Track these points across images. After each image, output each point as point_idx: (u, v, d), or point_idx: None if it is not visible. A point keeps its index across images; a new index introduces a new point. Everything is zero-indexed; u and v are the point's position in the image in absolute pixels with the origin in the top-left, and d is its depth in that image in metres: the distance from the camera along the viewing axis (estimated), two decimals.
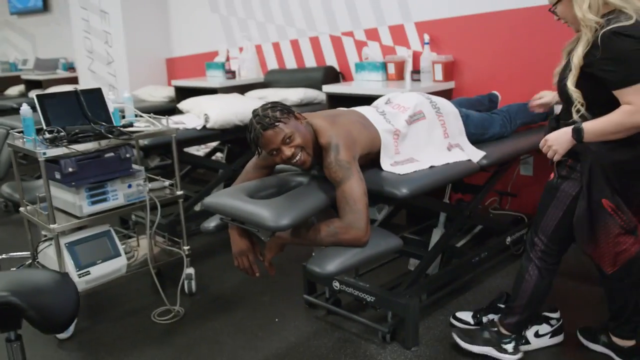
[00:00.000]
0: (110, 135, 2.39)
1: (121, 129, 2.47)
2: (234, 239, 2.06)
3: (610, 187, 1.79)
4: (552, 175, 1.95)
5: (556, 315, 2.19)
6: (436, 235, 2.72)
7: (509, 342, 2.09)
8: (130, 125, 2.59)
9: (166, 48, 5.34)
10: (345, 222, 1.85)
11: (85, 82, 5.62)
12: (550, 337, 2.17)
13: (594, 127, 1.75)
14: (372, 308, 2.43)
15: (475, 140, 2.52)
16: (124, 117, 2.74)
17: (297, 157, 1.99)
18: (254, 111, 2.03)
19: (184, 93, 4.39)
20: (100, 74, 5.48)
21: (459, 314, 2.37)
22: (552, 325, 2.17)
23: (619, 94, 1.71)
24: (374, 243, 1.90)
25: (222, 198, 2.00)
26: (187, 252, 2.74)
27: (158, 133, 2.62)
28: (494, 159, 2.41)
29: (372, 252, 1.89)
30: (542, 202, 1.97)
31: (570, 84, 1.80)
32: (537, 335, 2.14)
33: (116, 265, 2.54)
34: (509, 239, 2.82)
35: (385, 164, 2.17)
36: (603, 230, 1.82)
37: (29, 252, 3.13)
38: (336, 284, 2.42)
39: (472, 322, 2.33)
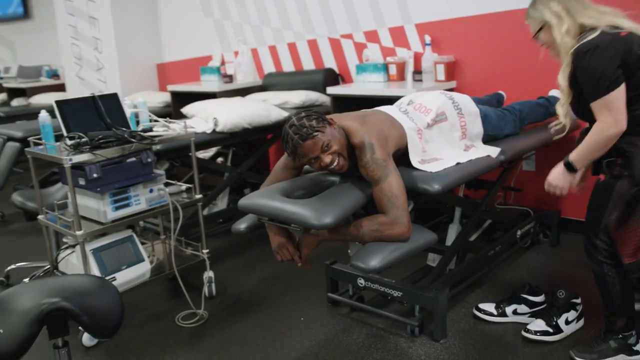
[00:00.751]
0: (133, 140, 2.37)
1: (142, 133, 2.46)
2: (271, 236, 2.09)
3: None
4: (602, 177, 1.93)
5: (579, 300, 2.27)
6: (452, 231, 2.77)
7: (636, 342, 2.03)
8: (150, 130, 2.58)
9: (157, 53, 5.29)
10: (390, 217, 1.89)
11: (73, 89, 5.53)
12: (577, 321, 2.25)
13: (578, 154, 1.90)
14: (400, 303, 2.46)
15: (491, 139, 2.58)
16: (138, 122, 2.71)
17: (335, 163, 2.02)
18: (289, 121, 2.03)
19: (179, 98, 4.37)
20: (89, 81, 5.39)
21: (481, 306, 2.42)
22: (577, 310, 2.25)
23: (592, 108, 1.83)
24: (413, 238, 1.94)
25: (259, 199, 2.01)
26: (207, 256, 2.73)
27: (177, 137, 2.60)
28: (510, 155, 2.48)
29: (411, 247, 1.93)
30: (596, 203, 1.95)
31: (560, 106, 1.93)
32: (567, 322, 2.21)
33: (140, 271, 2.52)
34: (519, 233, 2.89)
35: (414, 161, 2.21)
36: (635, 217, 1.85)
37: (40, 262, 3.09)
38: (361, 281, 2.45)
39: (495, 312, 2.38)
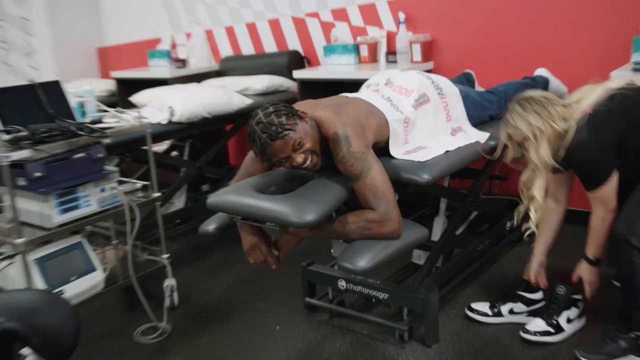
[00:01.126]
0: (82, 133, 2.25)
1: (90, 125, 2.34)
2: (244, 236, 2.03)
3: None
4: None
5: (580, 296, 2.27)
6: (438, 225, 2.76)
7: None
8: (100, 121, 2.46)
9: (98, 36, 5.11)
10: (379, 214, 1.85)
11: None
12: (579, 319, 2.26)
13: (594, 248, 2.14)
14: (385, 306, 2.42)
15: (475, 122, 2.58)
16: (84, 113, 2.59)
17: (308, 162, 1.97)
18: (256, 118, 1.94)
19: (125, 86, 4.22)
20: (18, 68, 5.15)
21: (474, 305, 2.41)
22: (579, 307, 2.25)
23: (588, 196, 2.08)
24: (402, 234, 1.90)
25: (231, 196, 1.94)
26: (168, 261, 2.64)
27: (131, 129, 2.49)
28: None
29: (402, 244, 1.90)
30: None
31: (534, 211, 2.13)
32: (568, 320, 2.21)
33: (93, 281, 2.40)
34: (508, 224, 2.90)
35: (397, 153, 2.17)
36: None
37: None
38: (342, 283, 2.40)
39: (489, 312, 2.37)
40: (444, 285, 2.56)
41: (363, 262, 1.81)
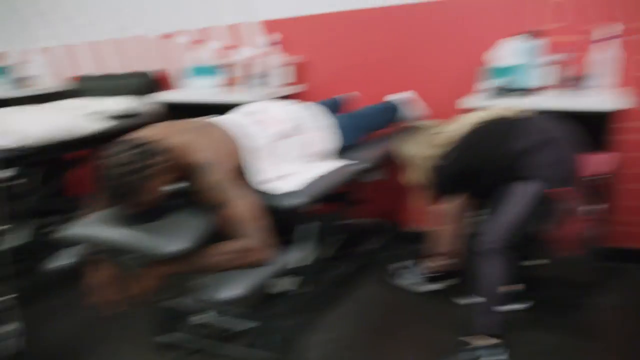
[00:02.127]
0: None
1: None
2: (93, 273, 1.98)
3: None
4: None
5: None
6: (301, 250, 2.82)
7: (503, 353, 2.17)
8: None
9: None
10: (248, 242, 1.88)
11: None
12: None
13: None
14: (248, 337, 2.42)
15: (343, 151, 2.70)
16: None
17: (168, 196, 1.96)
18: (107, 161, 1.84)
19: None
20: None
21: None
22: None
23: None
24: (272, 261, 1.95)
25: (86, 228, 1.89)
26: (15, 302, 2.46)
27: None
28: (373, 162, 2.64)
29: (270, 271, 1.93)
30: (501, 203, 2.18)
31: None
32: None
33: None
34: (369, 247, 3.05)
35: (258, 179, 2.20)
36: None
37: None
38: (202, 317, 2.38)
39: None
40: (307, 311, 2.62)
41: (230, 292, 1.82)
